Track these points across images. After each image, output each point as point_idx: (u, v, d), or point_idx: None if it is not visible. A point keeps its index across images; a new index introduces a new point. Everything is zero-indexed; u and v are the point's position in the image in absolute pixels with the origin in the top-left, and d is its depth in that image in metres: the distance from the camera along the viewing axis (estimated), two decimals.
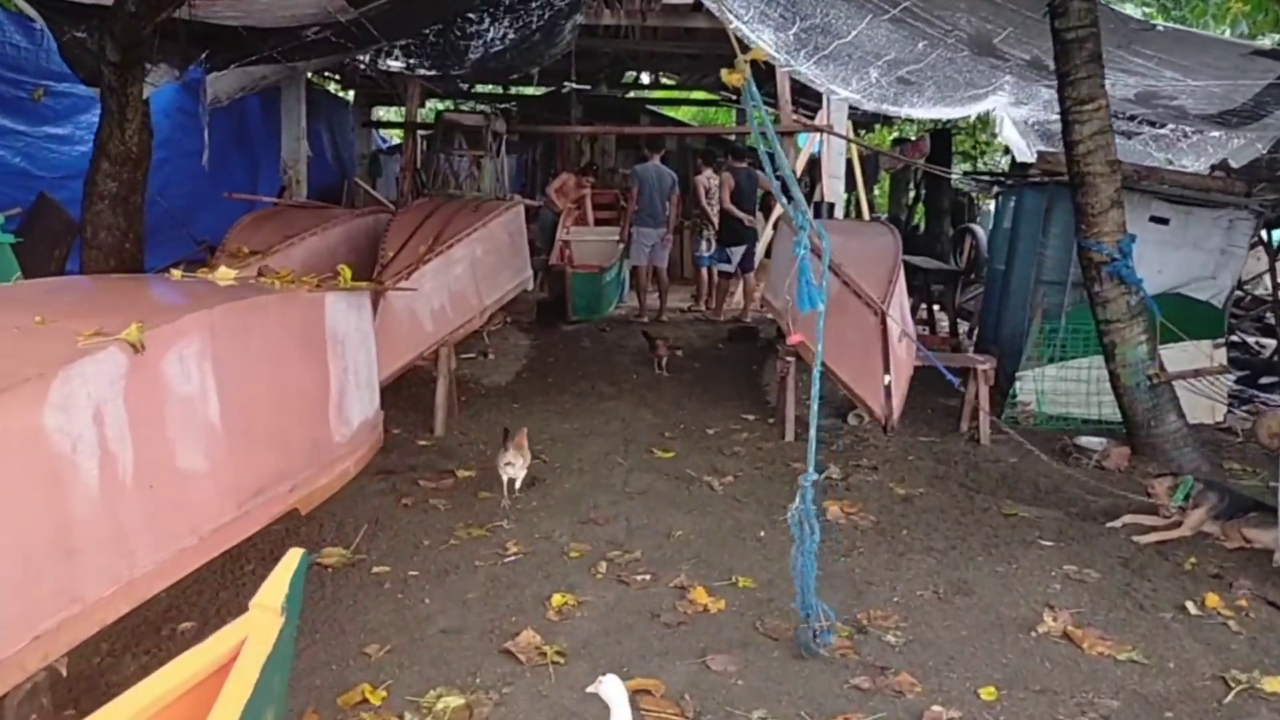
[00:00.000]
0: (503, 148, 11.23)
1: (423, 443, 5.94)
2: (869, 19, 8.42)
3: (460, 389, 7.19)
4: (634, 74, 18.27)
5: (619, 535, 4.55)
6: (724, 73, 3.77)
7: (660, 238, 10.90)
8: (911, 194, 17.99)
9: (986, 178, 9.79)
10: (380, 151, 17.18)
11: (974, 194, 17.09)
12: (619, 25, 13.42)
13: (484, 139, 10.46)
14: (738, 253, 10.88)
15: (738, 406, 7.00)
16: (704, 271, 11.75)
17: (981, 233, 12.66)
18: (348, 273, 4.35)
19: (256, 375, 3.39)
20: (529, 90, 23.06)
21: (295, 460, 3.56)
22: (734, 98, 21.92)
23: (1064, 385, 6.86)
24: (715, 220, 11.03)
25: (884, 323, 5.39)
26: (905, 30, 8.63)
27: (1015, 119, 10.59)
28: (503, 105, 20.00)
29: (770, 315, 9.20)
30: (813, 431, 3.52)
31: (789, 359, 6.26)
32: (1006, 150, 14.85)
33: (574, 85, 12.63)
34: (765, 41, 9.51)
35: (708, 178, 10.90)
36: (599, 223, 14.47)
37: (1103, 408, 6.62)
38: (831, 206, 10.55)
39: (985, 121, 17.28)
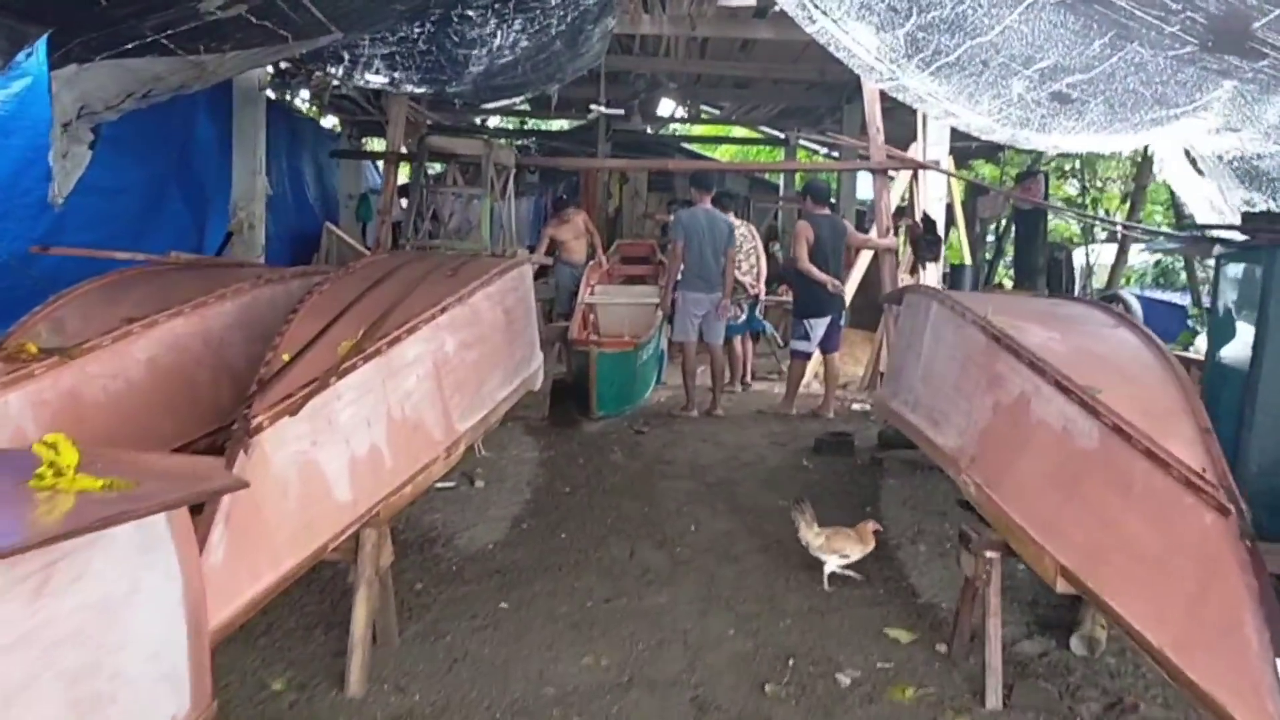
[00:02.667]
0: (510, 185, 8.61)
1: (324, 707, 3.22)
2: (1025, 6, 5.81)
3: (420, 563, 4.47)
4: (673, 105, 15.76)
5: None
6: None
7: (714, 305, 8.20)
8: (990, 246, 15.33)
9: (1194, 233, 7.18)
10: (374, 191, 14.64)
11: (1071, 250, 14.36)
12: (660, 36, 10.87)
13: (483, 172, 7.84)
14: (819, 327, 8.16)
15: (873, 609, 4.22)
16: (734, 343, 9.32)
17: (1136, 303, 9.93)
18: None
19: None
20: (551, 125, 20.66)
21: None
22: (781, 136, 19.38)
23: None
24: (744, 280, 8.94)
25: (1242, 530, 2.65)
26: (1080, 21, 5.98)
27: (1207, 154, 7.86)
28: (519, 142, 17.56)
29: (885, 421, 6.50)
30: None
31: (988, 552, 3.50)
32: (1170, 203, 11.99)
33: (603, 109, 10.02)
34: (862, 47, 6.92)
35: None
36: (629, 280, 11.81)
37: None
38: (963, 269, 7.87)
39: (1090, 160, 14.59)
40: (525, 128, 19.78)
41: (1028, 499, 3.35)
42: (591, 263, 10.93)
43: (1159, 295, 15.71)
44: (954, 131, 9.92)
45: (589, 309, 10.11)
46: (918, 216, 9.18)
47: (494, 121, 20.06)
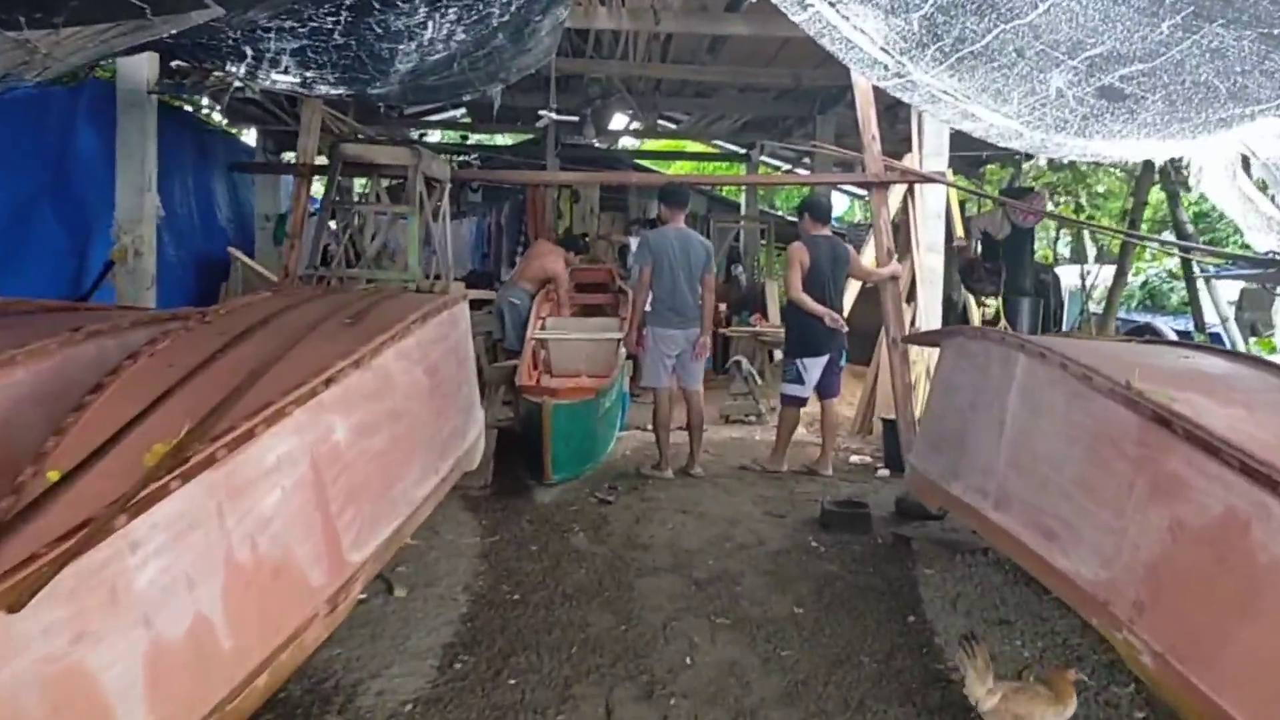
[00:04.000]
0: (445, 203, 7.23)
1: None
2: None
3: None
4: (627, 118, 14.47)
5: None
6: None
7: (690, 343, 6.90)
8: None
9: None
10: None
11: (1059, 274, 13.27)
12: (618, 33, 9.58)
13: (410, 187, 6.44)
14: (815, 367, 6.87)
15: None
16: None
17: (1172, 335, 8.82)
18: None
19: None
20: (496, 140, 19.25)
21: None
22: (741, 151, 18.17)
23: None
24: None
25: None
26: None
27: (1271, 160, 6.74)
28: (460, 158, 16.16)
29: (919, 495, 5.24)
30: None
31: None
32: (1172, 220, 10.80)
33: (553, 115, 8.68)
34: (866, 36, 5.68)
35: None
36: (585, 310, 10.46)
37: None
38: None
39: (1084, 170, 13.56)
40: (467, 143, 18.35)
41: (1267, 699, 2.05)
42: (541, 291, 9.58)
43: (1149, 320, 14.73)
44: (953, 139, 8.77)
45: (539, 345, 8.76)
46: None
47: (435, 136, 18.64)
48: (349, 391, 2.96)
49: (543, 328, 9.01)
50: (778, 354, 10.39)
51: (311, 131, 7.78)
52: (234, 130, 13.99)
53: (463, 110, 15.58)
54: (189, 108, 11.72)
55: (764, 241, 16.20)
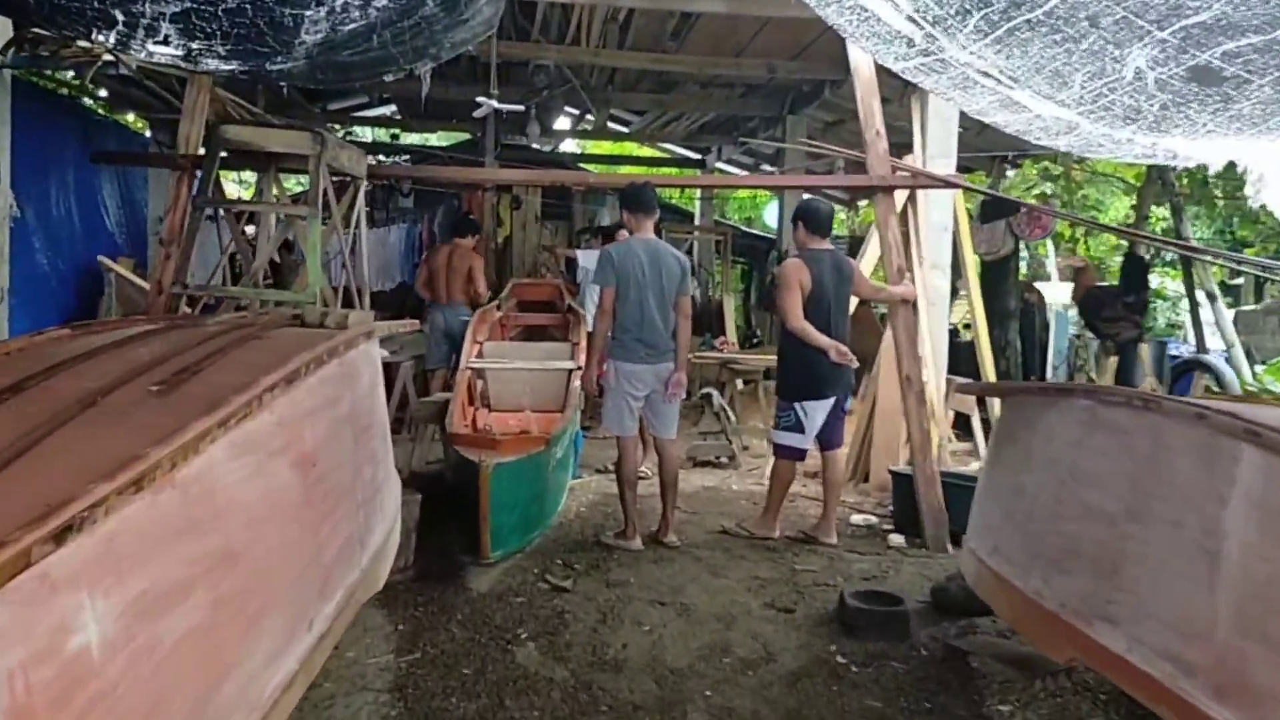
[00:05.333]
0: (359, 202, 5.82)
1: None
2: None
3: None
4: (572, 119, 13.12)
5: None
6: None
7: (663, 381, 5.58)
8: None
9: None
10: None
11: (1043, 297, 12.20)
12: (570, 8, 8.23)
13: (312, 181, 5.00)
14: (817, 412, 5.59)
15: None
16: None
17: (1228, 372, 7.73)
18: None
19: None
20: (431, 139, 17.77)
21: None
22: (695, 156, 16.89)
23: None
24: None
25: None
26: None
27: None
28: (390, 158, 14.72)
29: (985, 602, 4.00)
30: None
31: None
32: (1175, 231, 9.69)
33: (494, 104, 7.30)
34: (892, 2, 4.46)
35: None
36: (529, 333, 9.09)
37: None
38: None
39: (1079, 182, 12.55)
40: (398, 142, 16.86)
41: None
42: (480, 310, 8.18)
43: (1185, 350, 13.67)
44: (961, 139, 7.60)
45: (475, 376, 7.36)
46: (915, 252, 6.78)
47: (367, 137, 17.11)
48: (114, 543, 1.57)
49: (479, 355, 7.61)
50: (746, 383, 9.11)
51: (195, 116, 6.27)
52: (139, 122, 12.37)
53: (393, 107, 14.13)
54: (67, 91, 10.14)
55: (718, 255, 14.99)
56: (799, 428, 5.59)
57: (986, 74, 4.92)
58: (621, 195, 5.86)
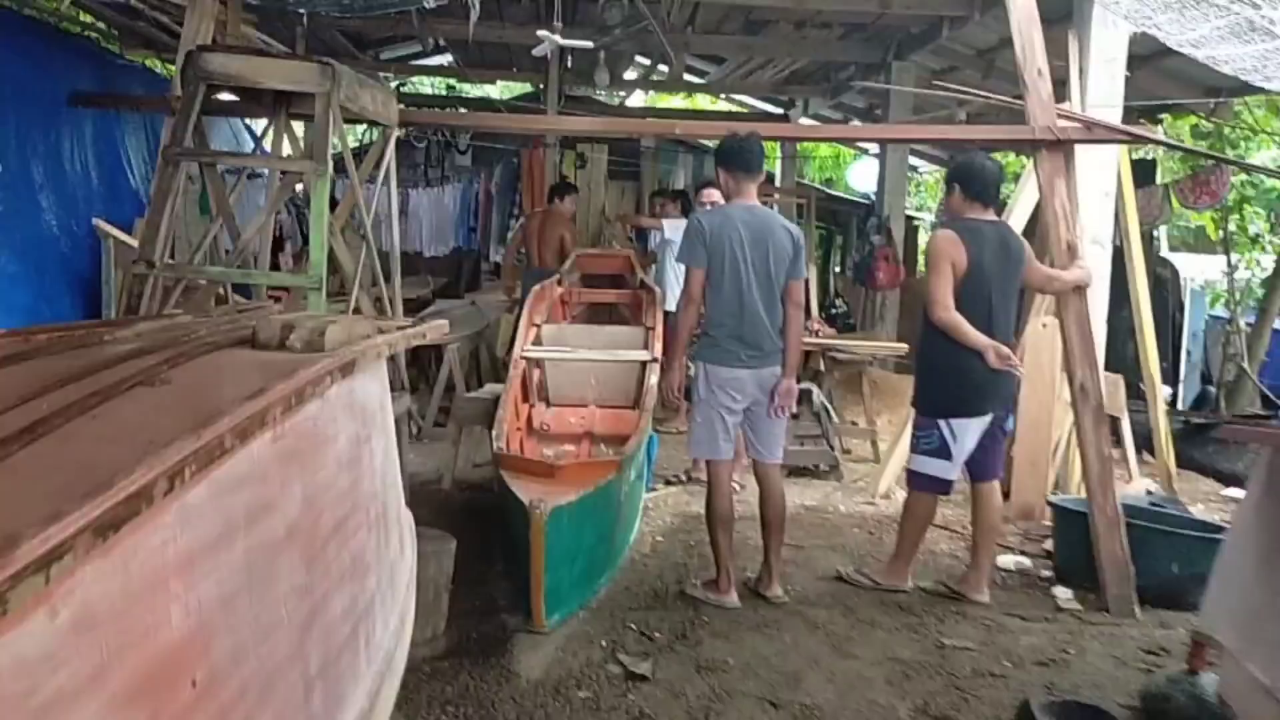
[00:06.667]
0: (389, 155, 4.61)
1: None
2: None
3: None
4: (649, 62, 11.80)
5: None
6: None
7: (768, 391, 4.31)
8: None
9: None
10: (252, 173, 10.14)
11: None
12: None
13: (318, 127, 3.78)
14: (968, 432, 4.26)
15: None
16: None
17: None
18: None
19: None
20: (490, 91, 16.54)
21: None
22: (779, 113, 15.44)
23: None
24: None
25: None
26: None
27: None
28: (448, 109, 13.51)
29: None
30: None
31: None
32: None
33: (558, 39, 6.03)
34: None
35: None
36: (595, 312, 7.85)
37: None
38: None
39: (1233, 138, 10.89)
40: (454, 94, 15.66)
41: None
42: (536, 287, 6.96)
43: None
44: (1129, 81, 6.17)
45: (531, 367, 6.18)
46: (1058, 216, 5.40)
47: (426, 88, 15.92)
48: None
49: (536, 341, 6.41)
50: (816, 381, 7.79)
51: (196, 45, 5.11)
52: (170, 68, 11.32)
53: (449, 57, 12.90)
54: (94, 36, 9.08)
55: (801, 220, 13.57)
56: (944, 452, 4.29)
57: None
58: (718, 150, 4.56)
